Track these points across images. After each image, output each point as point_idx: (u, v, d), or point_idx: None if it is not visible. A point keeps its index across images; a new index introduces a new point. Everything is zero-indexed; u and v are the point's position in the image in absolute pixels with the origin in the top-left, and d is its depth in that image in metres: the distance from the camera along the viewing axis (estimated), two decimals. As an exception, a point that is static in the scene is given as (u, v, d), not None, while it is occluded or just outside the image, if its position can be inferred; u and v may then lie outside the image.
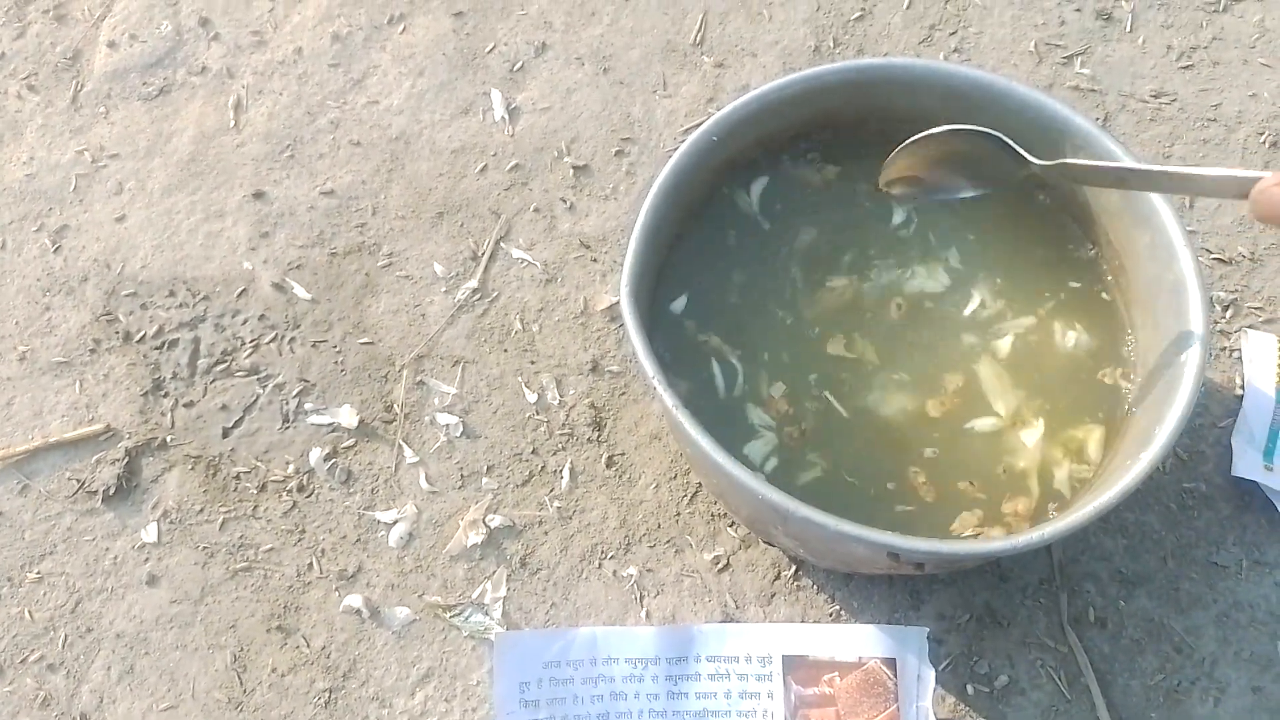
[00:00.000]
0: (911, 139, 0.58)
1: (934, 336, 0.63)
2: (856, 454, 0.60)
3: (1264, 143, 0.77)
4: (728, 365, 0.62)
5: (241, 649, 0.68)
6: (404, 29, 0.89)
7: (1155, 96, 0.80)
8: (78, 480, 0.74)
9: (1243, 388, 0.70)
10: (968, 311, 0.63)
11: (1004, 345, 0.62)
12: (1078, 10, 0.84)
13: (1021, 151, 0.56)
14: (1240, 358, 0.71)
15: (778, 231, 0.66)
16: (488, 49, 0.87)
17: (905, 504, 0.58)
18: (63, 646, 0.69)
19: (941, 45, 0.83)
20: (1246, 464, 0.66)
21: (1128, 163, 0.55)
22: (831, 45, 0.84)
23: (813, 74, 0.63)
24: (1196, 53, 0.82)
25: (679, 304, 0.64)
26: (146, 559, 0.71)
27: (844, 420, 0.60)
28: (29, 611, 0.70)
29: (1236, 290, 0.73)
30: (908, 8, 0.85)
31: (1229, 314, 0.72)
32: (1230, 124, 0.79)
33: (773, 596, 0.66)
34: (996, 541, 0.51)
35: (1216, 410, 0.70)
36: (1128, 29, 0.83)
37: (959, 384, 0.61)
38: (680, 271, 0.64)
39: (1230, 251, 0.74)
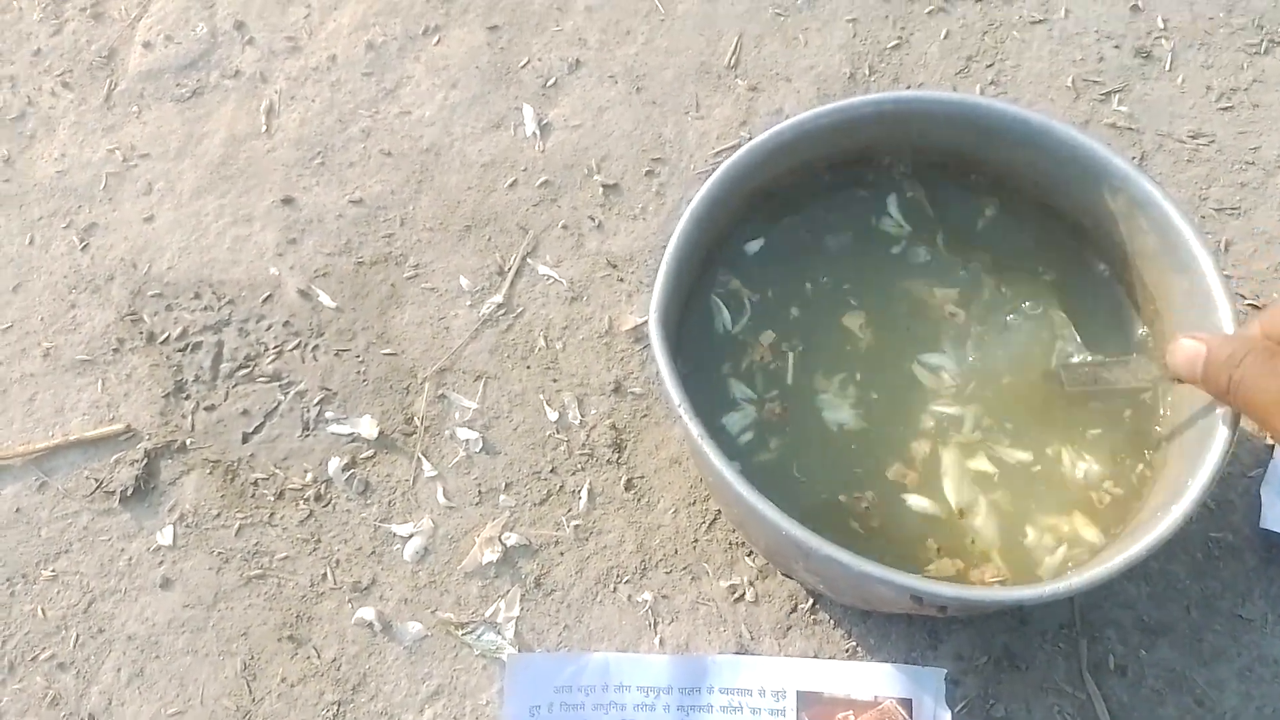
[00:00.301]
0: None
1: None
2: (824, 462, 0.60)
3: (1303, 188, 0.76)
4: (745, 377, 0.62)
5: (252, 657, 0.68)
6: (438, 40, 0.89)
7: (1193, 137, 0.79)
8: (96, 480, 0.74)
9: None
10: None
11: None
12: (1116, 47, 0.83)
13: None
14: (1272, 406, 0.70)
15: (803, 264, 0.65)
16: (521, 64, 0.87)
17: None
18: (74, 646, 0.69)
19: (978, 77, 0.83)
20: (1276, 516, 0.65)
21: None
22: (867, 73, 0.84)
23: (847, 104, 0.62)
24: (1236, 94, 0.81)
25: (709, 320, 0.63)
26: (161, 562, 0.71)
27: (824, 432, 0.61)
28: (42, 609, 0.70)
29: (1270, 337, 0.72)
30: (945, 38, 0.85)
31: (1261, 361, 0.71)
32: (1269, 168, 0.78)
33: (789, 629, 0.66)
34: (1021, 589, 0.50)
35: (1247, 460, 0.69)
36: (1167, 68, 0.82)
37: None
38: (709, 294, 0.64)
39: (1265, 297, 0.73)
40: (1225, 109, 0.80)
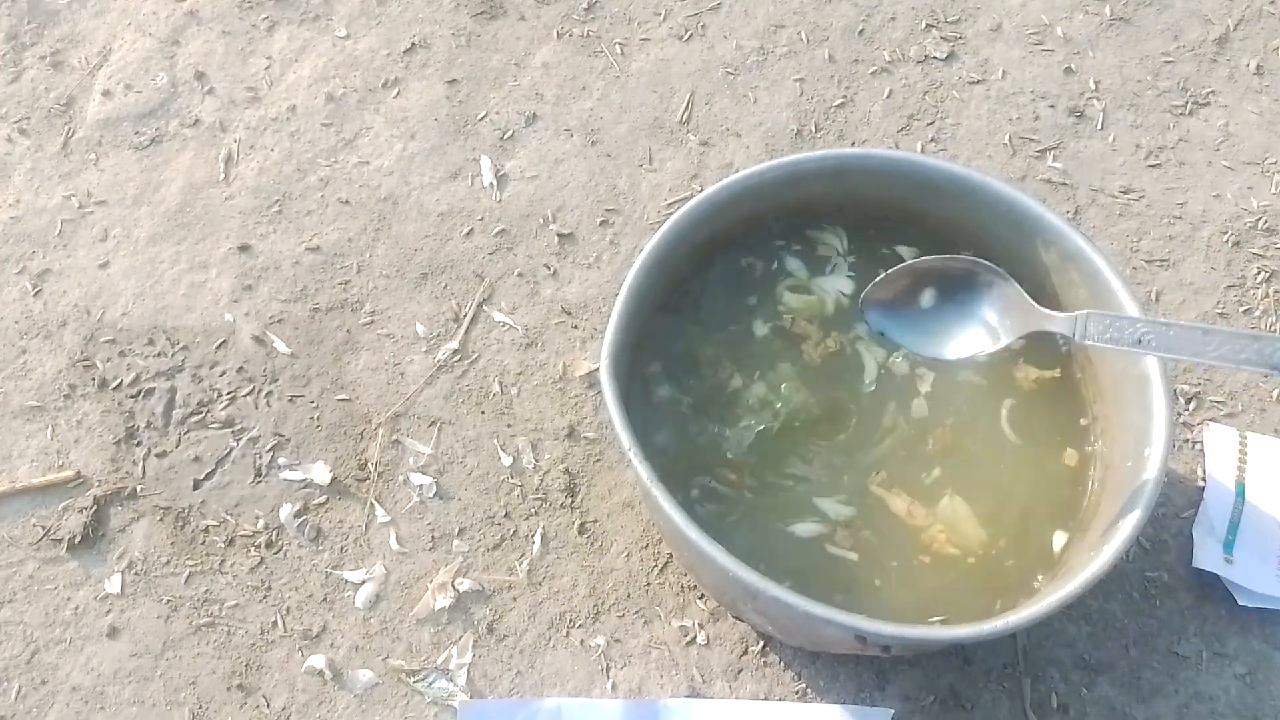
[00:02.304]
0: (915, 261, 0.60)
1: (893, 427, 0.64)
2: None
3: (1227, 242, 0.80)
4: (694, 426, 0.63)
5: (200, 707, 0.67)
6: (398, 93, 0.91)
7: (1124, 192, 0.83)
8: (43, 527, 0.73)
9: (1204, 480, 0.71)
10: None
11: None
12: (1051, 106, 0.87)
13: (1034, 303, 0.58)
14: (1202, 450, 0.72)
15: (747, 311, 0.67)
16: (479, 116, 0.89)
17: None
18: (15, 698, 0.67)
19: (919, 135, 0.86)
20: (1207, 556, 0.68)
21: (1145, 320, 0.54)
22: (813, 130, 0.87)
23: (793, 160, 0.65)
24: (1164, 152, 0.85)
25: (654, 368, 0.64)
26: (109, 610, 0.70)
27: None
28: (-17, 661, 0.69)
29: (1199, 383, 0.75)
30: (888, 97, 0.88)
31: (1192, 406, 0.74)
32: (1195, 222, 0.81)
33: (740, 672, 0.66)
34: (962, 628, 0.51)
35: (1179, 501, 0.71)
36: (1099, 126, 0.86)
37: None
38: (658, 340, 0.65)
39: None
40: (1154, 166, 0.84)
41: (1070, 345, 0.62)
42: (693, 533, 0.52)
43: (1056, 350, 0.64)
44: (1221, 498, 0.70)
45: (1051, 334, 0.57)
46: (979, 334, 0.60)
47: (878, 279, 0.61)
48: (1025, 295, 0.58)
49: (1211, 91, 0.87)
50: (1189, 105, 0.87)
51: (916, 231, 0.67)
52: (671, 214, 0.61)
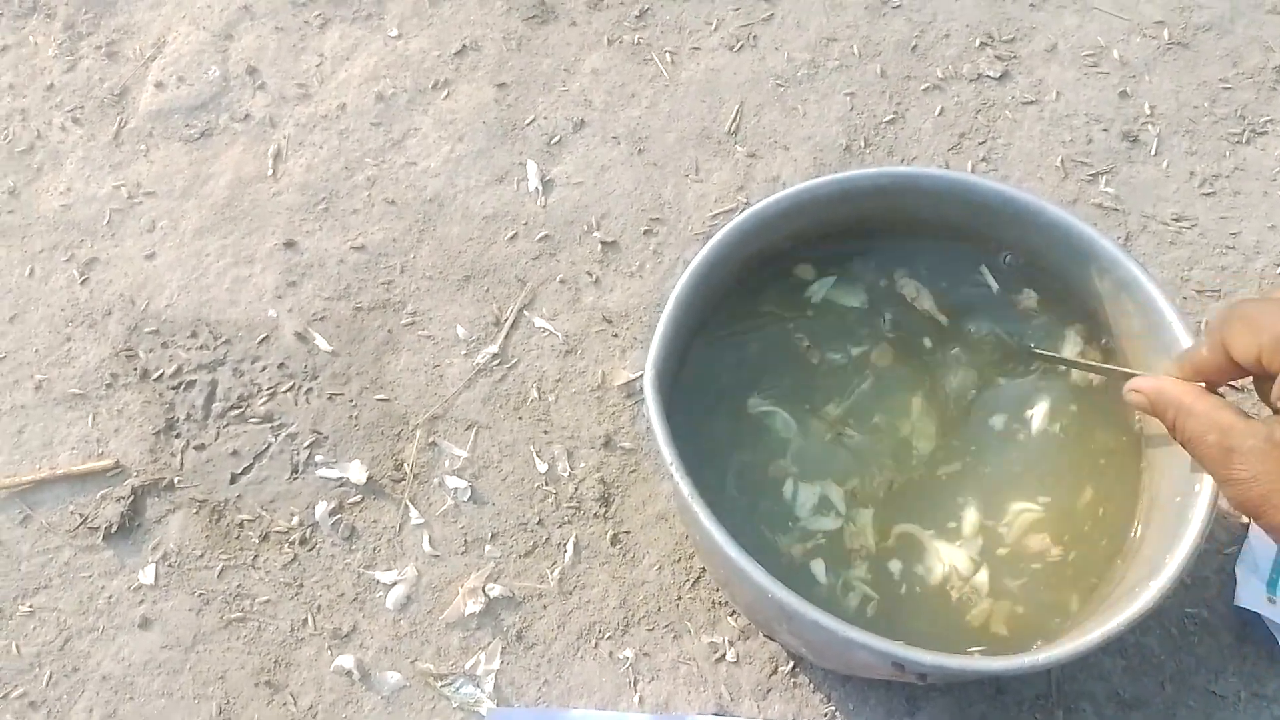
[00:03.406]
0: None
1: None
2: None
3: (1281, 275, 0.79)
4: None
5: (228, 701, 0.67)
6: (447, 95, 0.91)
7: (1176, 220, 0.82)
8: (81, 515, 0.73)
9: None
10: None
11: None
12: (1105, 130, 0.86)
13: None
14: (1249, 487, 0.71)
15: (796, 327, 0.66)
16: (527, 121, 0.89)
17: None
18: (47, 684, 0.68)
19: (970, 154, 0.85)
20: (1250, 594, 0.66)
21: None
22: (863, 145, 0.86)
23: (844, 177, 0.64)
24: (1218, 181, 0.83)
25: (698, 381, 0.64)
26: (141, 601, 0.71)
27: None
28: (16, 645, 0.69)
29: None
30: (939, 114, 0.87)
31: (1240, 442, 0.73)
32: (1249, 253, 0.80)
33: (769, 691, 0.66)
34: (1001, 660, 0.50)
35: (1222, 536, 0.70)
36: (1153, 152, 0.85)
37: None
38: (703, 353, 0.65)
39: (1243, 380, 0.75)
40: (1208, 194, 0.83)
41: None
42: (732, 550, 0.52)
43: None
44: (1267, 536, 0.68)
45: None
46: None
47: None
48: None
49: (1270, 120, 0.86)
50: (1246, 134, 0.85)
51: (971, 248, 0.66)
52: (717, 225, 0.61)
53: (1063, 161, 0.85)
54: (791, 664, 0.66)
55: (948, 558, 0.59)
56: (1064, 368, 0.64)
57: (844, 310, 0.66)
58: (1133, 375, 0.55)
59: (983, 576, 0.59)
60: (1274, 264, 0.79)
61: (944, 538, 0.60)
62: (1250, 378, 0.49)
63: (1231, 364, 0.48)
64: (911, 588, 0.59)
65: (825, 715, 0.65)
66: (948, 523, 0.60)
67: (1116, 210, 0.82)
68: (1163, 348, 0.58)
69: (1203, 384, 0.51)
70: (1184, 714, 0.64)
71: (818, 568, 0.59)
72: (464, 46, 0.93)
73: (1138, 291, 0.59)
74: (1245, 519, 0.70)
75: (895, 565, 0.60)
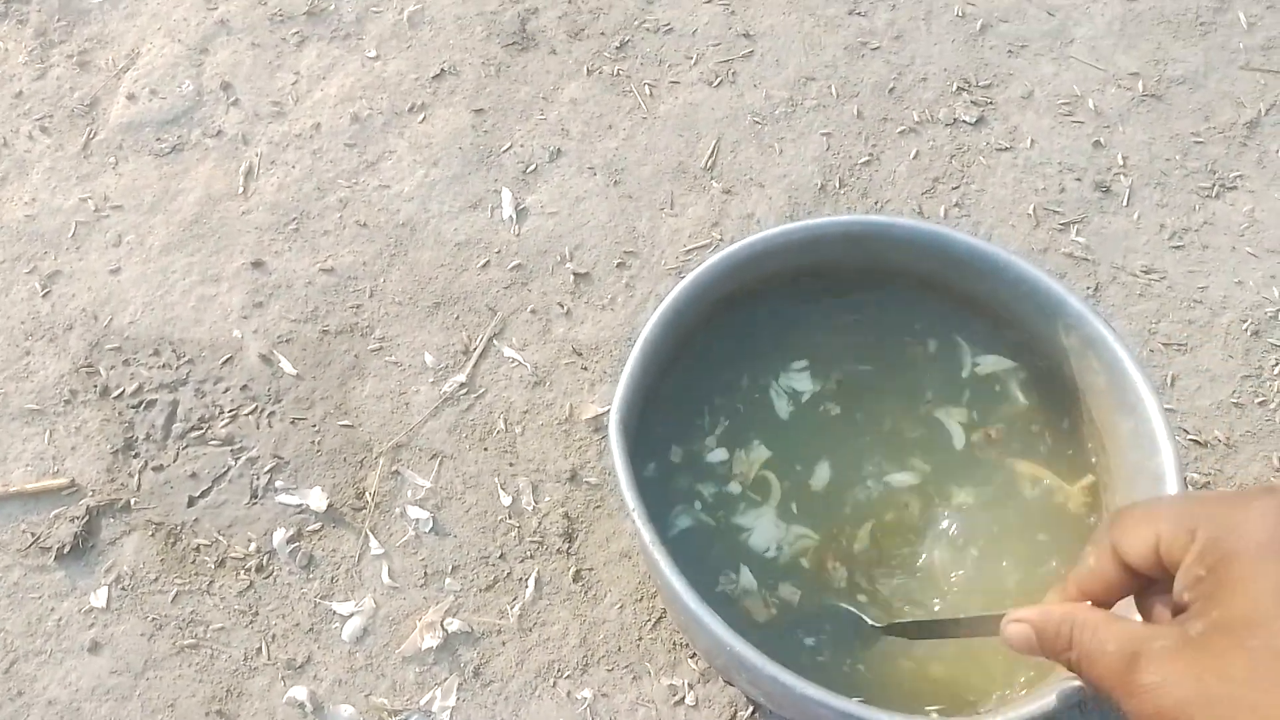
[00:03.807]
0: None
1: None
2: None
3: (1246, 330, 0.79)
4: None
5: (176, 731, 0.66)
6: (424, 119, 0.90)
7: (1146, 272, 0.82)
8: (32, 534, 0.72)
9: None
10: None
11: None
12: (1078, 179, 0.87)
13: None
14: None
15: (767, 368, 0.66)
16: (503, 148, 0.89)
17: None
18: (-10, 709, 0.67)
19: (943, 199, 0.86)
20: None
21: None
22: (837, 185, 0.86)
23: (816, 224, 0.64)
24: (1188, 234, 0.84)
25: (665, 427, 0.64)
26: (92, 624, 0.69)
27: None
28: (-39, 667, 0.68)
29: (1210, 474, 0.74)
30: (914, 158, 0.88)
31: (1201, 496, 0.73)
32: (1215, 308, 0.81)
33: (726, 736, 0.65)
34: (959, 720, 0.50)
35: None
36: (1124, 203, 0.86)
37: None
38: (671, 395, 0.64)
39: (1207, 434, 0.76)
40: (1177, 247, 0.84)
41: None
42: (691, 601, 0.51)
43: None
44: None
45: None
46: None
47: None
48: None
49: (1240, 175, 0.87)
50: (1216, 188, 0.86)
51: (936, 301, 0.67)
52: (690, 261, 0.60)
53: (1035, 209, 0.85)
54: (751, 709, 0.66)
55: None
56: (926, 636, 0.57)
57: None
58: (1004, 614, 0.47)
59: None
60: (1240, 319, 0.80)
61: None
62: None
63: (1123, 572, 0.42)
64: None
65: (782, 762, 0.64)
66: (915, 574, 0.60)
67: (1087, 260, 0.83)
68: (1126, 407, 0.58)
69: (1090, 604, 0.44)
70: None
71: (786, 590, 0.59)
72: (443, 70, 0.93)
73: (1103, 349, 0.59)
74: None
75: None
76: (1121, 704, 0.38)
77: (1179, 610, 0.38)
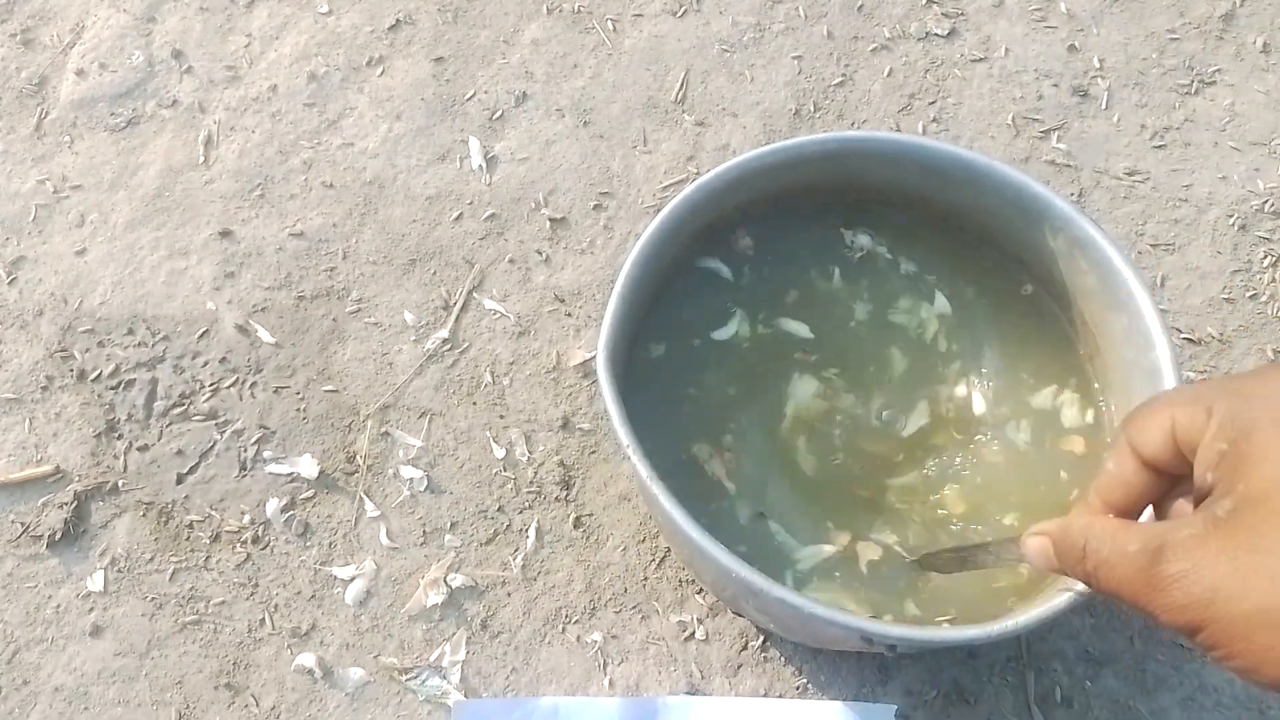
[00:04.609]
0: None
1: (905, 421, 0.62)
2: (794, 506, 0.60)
3: (1233, 225, 0.79)
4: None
5: (187, 706, 0.65)
6: (382, 71, 0.88)
7: (1129, 174, 0.81)
8: (22, 524, 0.71)
9: (1210, 469, 0.70)
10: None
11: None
12: (1055, 85, 0.85)
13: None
14: (1208, 438, 0.71)
15: (753, 295, 0.65)
16: (467, 96, 0.86)
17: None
18: (-4, 700, 0.66)
19: (920, 115, 0.84)
20: (1213, 546, 0.67)
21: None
22: (812, 109, 0.85)
23: (794, 144, 0.63)
24: (1169, 133, 0.83)
25: (656, 352, 0.63)
26: (91, 609, 0.68)
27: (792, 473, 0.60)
28: (-38, 662, 0.67)
29: (1205, 371, 0.74)
30: (888, 75, 0.86)
31: (1197, 394, 0.73)
32: (1201, 205, 0.80)
33: (739, 668, 0.65)
34: (971, 629, 0.50)
35: (1184, 490, 0.70)
36: (1103, 106, 0.84)
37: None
38: (657, 326, 0.63)
39: (1200, 332, 0.75)
40: (1159, 147, 0.83)
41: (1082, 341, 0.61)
42: (694, 532, 0.51)
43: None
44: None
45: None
46: None
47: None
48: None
49: (1218, 70, 0.85)
50: (1195, 84, 0.85)
51: (918, 215, 0.66)
52: (667, 197, 0.59)
53: (1013, 119, 0.84)
54: (761, 639, 0.66)
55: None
56: (958, 569, 0.55)
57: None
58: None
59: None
60: (1226, 215, 0.79)
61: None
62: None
63: (1142, 470, 0.40)
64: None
65: (797, 688, 0.64)
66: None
67: (1069, 166, 0.82)
68: (1118, 304, 0.58)
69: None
70: (1153, 668, 0.65)
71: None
72: (398, 20, 0.90)
73: (1091, 249, 0.59)
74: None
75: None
76: (1148, 605, 0.36)
77: (1201, 499, 0.37)
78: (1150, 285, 0.73)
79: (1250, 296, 0.76)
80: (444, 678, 0.65)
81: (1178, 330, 0.75)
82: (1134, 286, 0.57)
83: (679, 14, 0.90)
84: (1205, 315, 0.76)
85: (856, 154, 0.63)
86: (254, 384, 0.75)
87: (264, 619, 0.68)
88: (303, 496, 0.71)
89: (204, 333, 0.77)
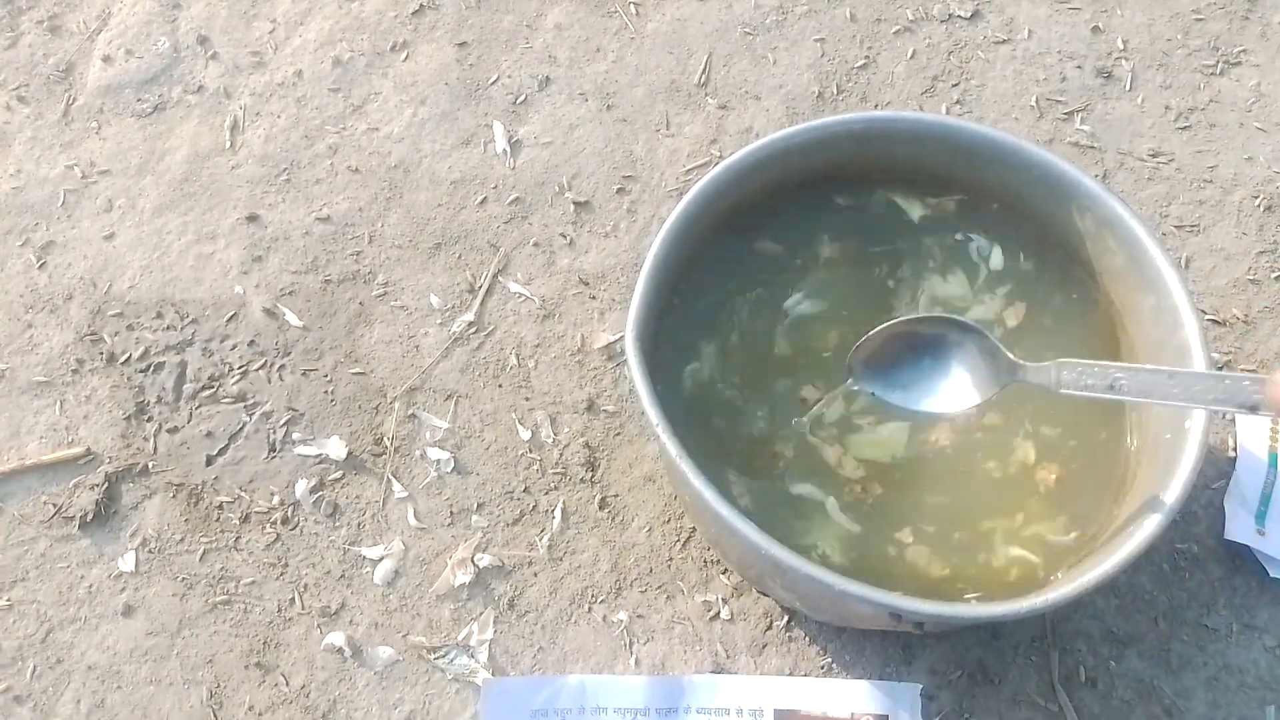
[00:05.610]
0: (894, 321, 0.56)
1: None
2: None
3: (1259, 206, 0.78)
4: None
5: (218, 685, 0.66)
6: (406, 56, 0.88)
7: (1153, 155, 0.81)
8: (54, 505, 0.72)
9: (1235, 450, 0.70)
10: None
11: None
12: (1079, 67, 0.85)
13: (1011, 356, 0.55)
14: (1234, 420, 0.71)
15: (780, 275, 0.65)
16: (491, 80, 0.87)
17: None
18: (31, 678, 0.67)
19: (944, 97, 0.84)
20: (1239, 527, 0.67)
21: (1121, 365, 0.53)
22: (835, 92, 0.84)
23: (820, 124, 0.63)
24: (1194, 114, 0.83)
25: (682, 342, 0.63)
26: (123, 589, 0.69)
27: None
28: (-3, 640, 0.68)
29: (1230, 352, 0.73)
30: (911, 58, 0.86)
31: (1222, 375, 0.73)
32: (1226, 186, 0.79)
33: (764, 647, 0.66)
34: (999, 606, 0.50)
35: (1209, 472, 0.70)
36: (1127, 88, 0.84)
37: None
38: (684, 313, 0.64)
39: (1225, 313, 0.75)
40: (1183, 128, 0.82)
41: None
42: (723, 509, 0.51)
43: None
44: (1253, 469, 0.69)
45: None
46: (961, 389, 0.57)
47: (859, 342, 0.58)
48: (1000, 349, 0.55)
49: (1243, 50, 0.85)
50: (1220, 65, 0.85)
51: (947, 197, 0.66)
52: (691, 181, 0.59)
53: (1037, 100, 0.84)
54: (786, 618, 0.66)
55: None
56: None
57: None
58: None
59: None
60: (1251, 196, 0.79)
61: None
62: None
63: None
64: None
65: (822, 667, 0.65)
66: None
67: (1093, 148, 0.81)
68: (1146, 284, 0.58)
69: None
70: (1178, 648, 0.65)
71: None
72: (421, 6, 0.91)
73: (1119, 227, 0.58)
74: (1232, 453, 0.70)
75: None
76: None
77: None
78: (1177, 263, 0.73)
79: (1276, 278, 0.76)
80: (472, 656, 0.66)
81: (1203, 311, 0.75)
82: (1162, 265, 0.57)
83: (701, -2, 0.90)
84: (1230, 296, 0.75)
85: (883, 133, 0.63)
86: (282, 367, 0.76)
87: (294, 598, 0.68)
88: (331, 478, 0.72)
89: (232, 316, 0.78)
